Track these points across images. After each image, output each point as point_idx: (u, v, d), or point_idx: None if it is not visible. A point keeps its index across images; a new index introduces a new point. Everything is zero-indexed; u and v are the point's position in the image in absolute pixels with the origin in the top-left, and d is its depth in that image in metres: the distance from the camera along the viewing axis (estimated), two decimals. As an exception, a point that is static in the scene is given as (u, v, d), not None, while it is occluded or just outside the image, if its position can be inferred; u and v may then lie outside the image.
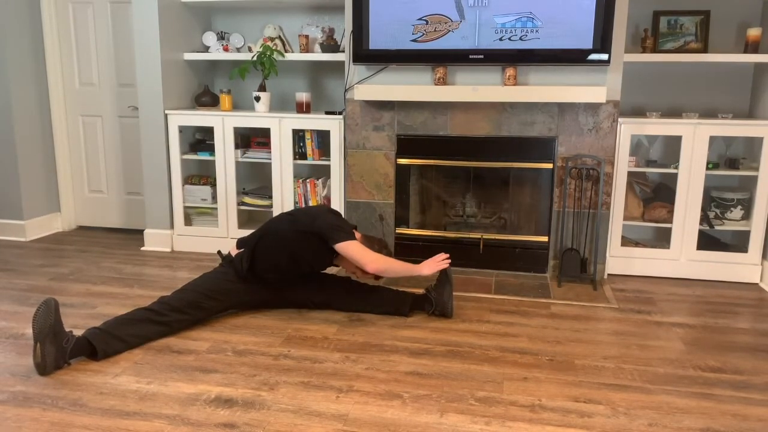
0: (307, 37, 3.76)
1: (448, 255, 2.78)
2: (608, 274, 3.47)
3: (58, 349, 2.21)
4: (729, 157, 3.45)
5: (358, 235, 2.75)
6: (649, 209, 3.50)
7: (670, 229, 3.40)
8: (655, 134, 3.44)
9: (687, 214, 3.35)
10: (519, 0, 3.10)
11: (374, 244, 2.77)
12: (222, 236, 3.84)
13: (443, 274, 2.80)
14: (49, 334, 2.17)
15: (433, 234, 3.63)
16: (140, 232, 4.12)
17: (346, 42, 3.40)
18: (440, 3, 3.18)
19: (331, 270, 3.44)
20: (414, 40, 3.26)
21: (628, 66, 3.36)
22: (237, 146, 3.75)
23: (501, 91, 3.19)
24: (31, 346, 2.39)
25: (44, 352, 2.17)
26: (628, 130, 3.31)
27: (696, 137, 3.26)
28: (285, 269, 2.74)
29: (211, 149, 3.81)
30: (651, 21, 3.50)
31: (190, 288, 2.68)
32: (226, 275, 2.75)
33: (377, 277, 2.81)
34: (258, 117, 3.67)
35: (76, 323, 2.65)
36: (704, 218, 3.39)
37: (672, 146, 3.51)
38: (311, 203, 3.74)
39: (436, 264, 2.73)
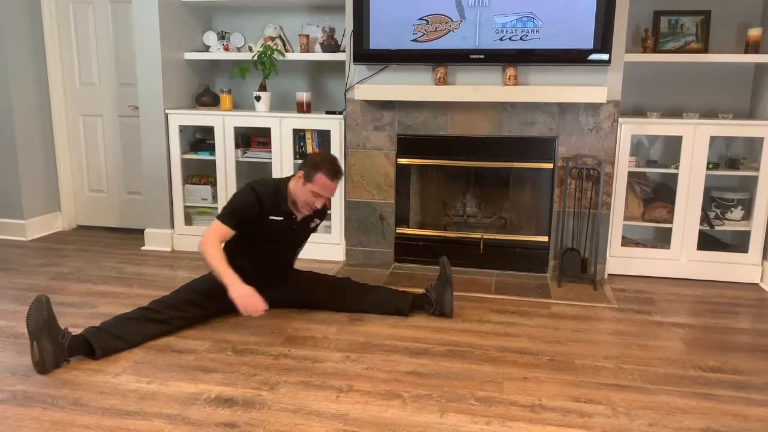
0: (307, 36, 3.76)
1: (265, 308, 2.49)
2: (608, 274, 3.47)
3: (56, 345, 2.21)
4: (729, 157, 3.45)
5: (300, 173, 2.60)
6: (649, 209, 3.50)
7: (670, 230, 3.40)
8: (655, 134, 3.44)
9: (687, 214, 3.35)
10: (519, 0, 3.10)
11: (318, 165, 2.57)
12: (222, 236, 3.84)
13: (443, 274, 2.80)
14: (44, 330, 2.17)
15: (434, 234, 3.63)
16: (140, 231, 4.12)
17: (347, 42, 3.40)
18: (441, 3, 3.18)
19: (331, 270, 3.44)
20: (414, 40, 3.25)
21: (628, 66, 3.36)
22: (237, 146, 3.75)
23: (501, 91, 3.19)
24: (32, 346, 2.39)
25: (41, 349, 2.17)
26: (628, 130, 3.31)
27: (696, 137, 3.26)
28: (246, 257, 2.71)
29: (211, 149, 3.81)
30: (651, 21, 3.50)
31: (187, 287, 2.70)
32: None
33: None
34: (258, 117, 3.67)
35: (77, 323, 2.64)
36: (704, 218, 3.39)
37: (672, 146, 3.51)
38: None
39: (244, 305, 2.45)
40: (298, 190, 2.60)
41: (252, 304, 2.45)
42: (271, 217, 2.66)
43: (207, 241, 2.55)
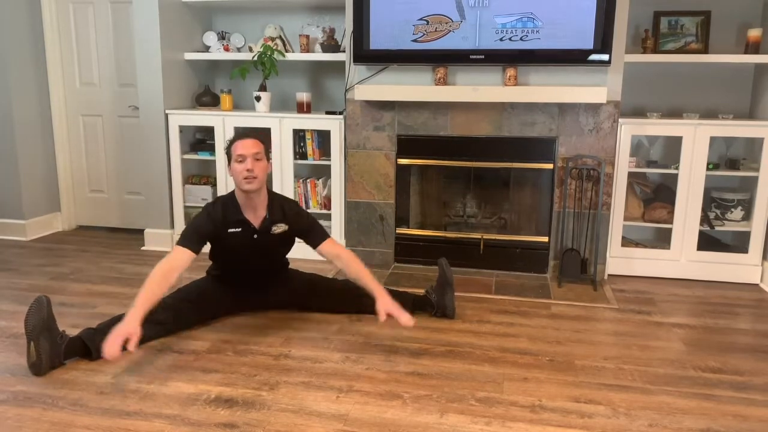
0: (307, 37, 3.76)
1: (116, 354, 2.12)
2: (608, 275, 3.47)
3: (53, 346, 2.21)
4: (729, 157, 3.45)
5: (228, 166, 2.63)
6: (649, 210, 3.50)
7: (670, 230, 3.40)
8: (655, 135, 3.44)
9: (687, 214, 3.35)
10: (520, 0, 3.10)
11: (231, 143, 2.60)
12: (222, 236, 3.84)
13: (442, 276, 2.79)
14: (43, 330, 2.17)
15: (434, 234, 3.63)
16: (140, 231, 4.12)
17: (347, 42, 3.40)
18: (441, 3, 3.18)
19: (330, 271, 3.44)
20: (414, 41, 3.25)
21: (628, 66, 3.36)
22: (237, 146, 3.74)
23: (501, 92, 3.19)
24: (32, 346, 2.38)
25: (39, 348, 2.17)
26: (628, 130, 3.31)
27: (696, 138, 3.26)
28: (229, 271, 2.75)
29: (211, 149, 3.82)
30: (651, 21, 3.50)
31: (186, 288, 2.71)
32: (216, 277, 2.79)
33: None
34: (258, 117, 3.67)
35: (76, 323, 2.64)
36: (704, 219, 3.39)
37: (672, 147, 3.51)
38: (311, 203, 3.75)
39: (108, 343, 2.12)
40: (233, 177, 2.58)
41: (109, 345, 2.08)
42: (229, 230, 2.61)
43: (157, 265, 2.41)
